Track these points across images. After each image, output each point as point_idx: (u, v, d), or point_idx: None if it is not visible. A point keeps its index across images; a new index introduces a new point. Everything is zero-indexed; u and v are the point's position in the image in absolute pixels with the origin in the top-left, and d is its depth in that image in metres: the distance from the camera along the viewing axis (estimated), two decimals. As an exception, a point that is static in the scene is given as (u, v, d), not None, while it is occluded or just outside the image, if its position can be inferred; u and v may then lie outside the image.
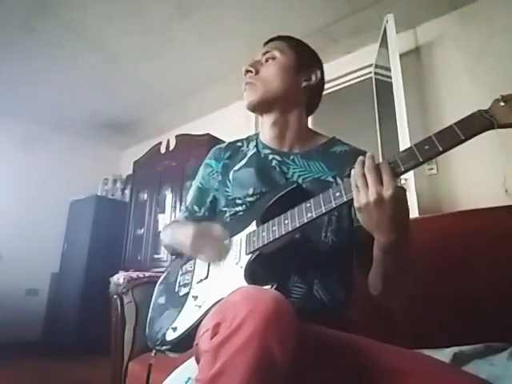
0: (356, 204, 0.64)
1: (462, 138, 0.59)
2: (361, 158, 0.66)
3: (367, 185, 0.62)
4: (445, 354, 0.91)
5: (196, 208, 1.02)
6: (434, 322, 1.13)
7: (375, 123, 2.47)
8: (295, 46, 0.97)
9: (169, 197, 3.29)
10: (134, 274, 1.35)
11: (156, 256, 3.20)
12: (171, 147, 3.39)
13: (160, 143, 3.51)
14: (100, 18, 2.46)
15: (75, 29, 2.57)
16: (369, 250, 0.73)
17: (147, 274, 1.38)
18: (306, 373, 0.61)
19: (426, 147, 0.61)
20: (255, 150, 0.98)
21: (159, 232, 3.29)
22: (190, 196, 1.05)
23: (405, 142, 1.91)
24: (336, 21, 2.36)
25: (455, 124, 0.60)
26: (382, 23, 2.20)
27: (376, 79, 2.53)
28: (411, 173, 1.89)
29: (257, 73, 0.95)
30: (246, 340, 0.49)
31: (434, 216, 1.43)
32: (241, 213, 0.90)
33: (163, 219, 3.26)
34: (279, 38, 1.00)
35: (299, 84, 0.95)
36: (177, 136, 3.34)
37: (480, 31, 2.12)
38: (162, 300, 0.95)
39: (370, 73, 2.58)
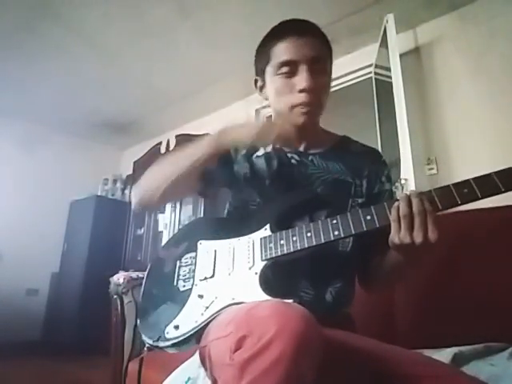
0: (396, 240, 0.65)
1: (502, 189, 0.61)
2: (405, 194, 0.67)
3: (412, 226, 0.64)
4: (445, 354, 0.91)
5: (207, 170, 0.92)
6: (434, 322, 1.13)
7: (375, 123, 2.47)
8: (331, 53, 0.90)
9: (169, 197, 3.28)
10: (134, 274, 1.35)
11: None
12: (171, 147, 3.40)
13: (160, 143, 3.51)
14: (100, 19, 2.46)
15: (75, 29, 2.57)
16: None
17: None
18: (325, 381, 0.61)
19: (465, 190, 0.63)
20: (271, 147, 0.93)
21: (159, 232, 3.30)
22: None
23: (405, 142, 1.91)
24: (336, 21, 2.36)
25: (495, 173, 0.62)
26: (382, 23, 2.19)
27: (376, 79, 2.53)
28: (411, 173, 1.89)
29: (313, 84, 0.82)
30: (275, 360, 0.48)
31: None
32: (250, 207, 0.88)
33: (163, 219, 3.26)
34: (313, 31, 0.88)
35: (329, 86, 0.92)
36: (177, 136, 3.34)
37: (480, 31, 2.11)
38: (155, 290, 0.89)
39: (370, 73, 2.58)
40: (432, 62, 2.28)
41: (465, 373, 0.63)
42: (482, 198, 0.62)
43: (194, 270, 0.85)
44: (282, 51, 0.84)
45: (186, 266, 0.88)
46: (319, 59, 0.84)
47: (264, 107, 3.20)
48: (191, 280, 0.83)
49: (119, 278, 1.31)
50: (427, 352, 0.73)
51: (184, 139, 3.26)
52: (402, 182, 1.88)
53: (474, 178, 0.63)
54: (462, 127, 2.09)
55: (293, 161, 0.91)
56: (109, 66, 2.99)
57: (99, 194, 3.99)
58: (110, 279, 1.33)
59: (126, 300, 1.29)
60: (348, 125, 2.97)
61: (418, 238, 0.63)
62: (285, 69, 0.83)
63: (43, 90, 3.35)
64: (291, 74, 0.83)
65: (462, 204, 0.64)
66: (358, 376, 0.64)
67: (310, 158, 0.91)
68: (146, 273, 0.95)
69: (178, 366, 0.97)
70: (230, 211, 0.94)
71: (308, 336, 0.50)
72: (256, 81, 0.96)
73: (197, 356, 0.94)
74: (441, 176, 2.09)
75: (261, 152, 0.92)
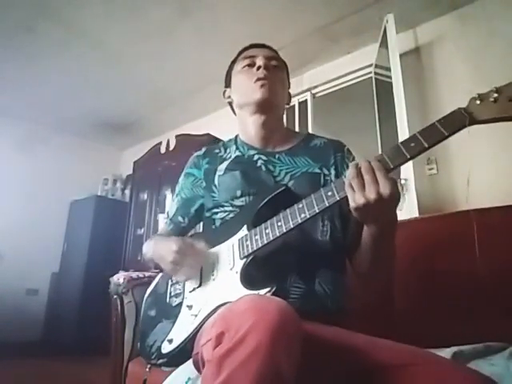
0: (352, 204, 0.66)
1: (446, 134, 0.62)
2: (354, 161, 0.69)
3: (363, 185, 0.64)
4: (445, 354, 0.91)
5: (180, 219, 1.02)
6: (434, 322, 1.13)
7: (375, 123, 2.47)
8: (283, 62, 1.04)
9: (169, 197, 3.28)
10: (134, 274, 1.35)
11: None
12: (171, 147, 3.39)
13: (160, 143, 3.51)
14: (100, 19, 2.46)
15: (75, 29, 2.57)
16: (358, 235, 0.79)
17: (147, 273, 1.37)
18: (307, 375, 0.61)
19: (412, 144, 0.64)
20: (238, 152, 0.99)
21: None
22: (174, 208, 1.04)
23: (405, 142, 1.91)
24: (336, 21, 2.36)
25: (438, 121, 0.64)
26: (382, 23, 2.19)
27: (376, 79, 2.53)
28: (411, 173, 1.89)
29: (269, 73, 0.95)
30: (252, 352, 0.48)
31: (434, 216, 1.43)
32: (230, 217, 0.90)
33: (163, 219, 3.26)
34: (269, 47, 1.05)
35: (287, 93, 1.05)
36: (177, 136, 3.34)
37: (480, 31, 2.12)
38: (152, 312, 0.93)
39: (370, 73, 2.58)
40: (432, 62, 2.28)
41: (450, 359, 0.63)
42: (428, 147, 0.63)
43: (183, 285, 0.89)
44: (245, 52, 1.03)
45: (177, 282, 0.92)
46: (274, 58, 1.00)
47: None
48: (182, 294, 0.87)
49: (119, 278, 1.31)
50: (427, 352, 0.73)
51: (184, 139, 3.26)
52: (402, 182, 1.88)
53: (420, 131, 0.64)
54: (461, 127, 2.09)
55: (260, 162, 0.94)
56: (109, 66, 2.99)
57: (99, 194, 3.99)
58: (110, 279, 1.33)
59: (125, 300, 1.29)
60: (348, 125, 2.99)
61: (371, 194, 0.63)
62: (246, 61, 0.99)
63: (43, 90, 3.35)
64: (252, 64, 0.98)
65: (411, 158, 0.64)
66: (346, 372, 0.64)
67: (276, 156, 0.95)
68: (144, 299, 1.01)
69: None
70: (213, 226, 0.97)
71: (284, 327, 0.50)
72: (224, 92, 1.12)
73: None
74: (441, 176, 2.09)
75: (221, 170, 0.96)
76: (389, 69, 2.14)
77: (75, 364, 2.88)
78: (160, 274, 1.02)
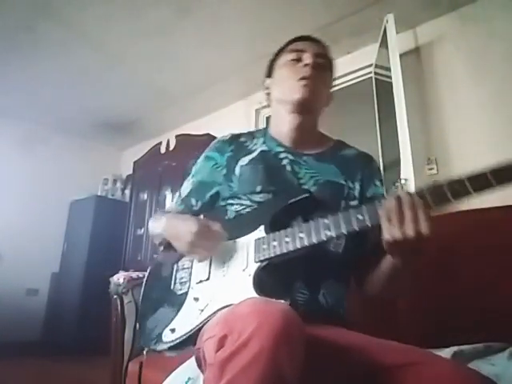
0: (387, 236, 0.64)
1: (495, 185, 0.60)
2: (395, 192, 0.67)
3: (403, 220, 0.62)
4: (445, 354, 0.91)
5: (193, 201, 0.98)
6: (434, 322, 1.13)
7: (375, 123, 2.47)
8: (332, 61, 0.99)
9: (169, 197, 3.29)
10: (134, 274, 1.35)
11: (156, 256, 3.20)
12: (171, 147, 3.40)
13: (160, 143, 3.51)
14: (100, 19, 2.46)
15: (75, 29, 2.56)
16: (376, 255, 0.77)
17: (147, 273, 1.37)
18: (310, 377, 0.61)
19: (457, 187, 0.61)
20: (264, 146, 0.95)
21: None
22: (188, 188, 1.00)
23: (405, 142, 1.91)
24: (336, 21, 2.36)
25: (489, 172, 0.60)
26: (382, 23, 2.19)
27: (376, 79, 2.53)
28: (411, 173, 1.89)
29: (314, 73, 0.90)
30: (254, 356, 0.47)
31: (433, 216, 1.42)
32: (246, 211, 0.87)
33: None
34: (320, 42, 0.99)
35: (329, 94, 0.99)
36: (177, 136, 3.34)
37: (480, 31, 2.12)
38: (154, 294, 0.91)
39: (370, 73, 2.58)
40: (432, 62, 2.28)
41: (451, 359, 0.63)
42: (474, 194, 0.61)
43: (190, 274, 0.86)
44: (294, 44, 0.97)
45: (183, 269, 0.89)
46: (322, 56, 0.94)
47: (264, 107, 3.21)
48: (188, 283, 0.85)
49: (119, 278, 1.31)
50: (427, 352, 0.74)
51: (184, 139, 3.26)
52: (402, 181, 1.88)
53: (468, 176, 0.61)
54: (461, 127, 2.09)
55: (285, 161, 0.91)
56: (109, 66, 2.99)
57: (99, 194, 3.98)
58: (110, 279, 1.33)
59: (125, 300, 1.29)
60: (348, 125, 2.99)
61: (410, 231, 0.61)
62: (293, 54, 0.93)
63: (43, 90, 3.35)
64: (298, 60, 0.92)
65: (454, 201, 0.62)
66: (349, 373, 0.63)
67: (304, 158, 0.92)
68: (145, 278, 0.97)
69: (177, 367, 0.97)
70: (226, 217, 0.94)
71: (288, 331, 0.50)
72: (264, 81, 1.03)
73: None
74: (441, 176, 2.09)
75: (245, 161, 0.93)
76: (389, 69, 2.14)
77: (75, 364, 2.88)
78: (164, 254, 0.97)
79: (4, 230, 3.63)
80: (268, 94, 1.02)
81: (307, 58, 0.90)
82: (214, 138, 3.27)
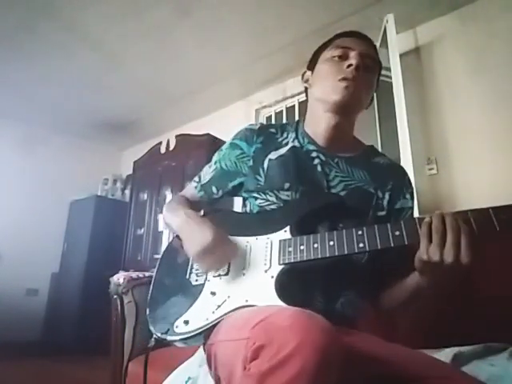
0: (424, 256, 0.62)
1: None
2: (439, 212, 0.64)
3: (444, 243, 0.60)
4: (444, 355, 0.91)
5: (214, 189, 0.94)
6: (433, 322, 1.13)
7: (375, 123, 2.47)
8: (379, 62, 0.96)
9: (169, 197, 3.28)
10: (134, 274, 1.35)
11: (156, 256, 3.20)
12: (171, 147, 3.39)
13: (160, 143, 3.51)
14: (100, 19, 2.46)
15: (75, 29, 2.56)
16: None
17: (147, 273, 1.38)
18: None
19: (504, 217, 0.59)
20: (296, 142, 0.91)
21: (159, 232, 3.30)
22: (209, 175, 0.96)
23: (405, 142, 1.91)
24: (336, 21, 2.36)
25: None
26: (382, 23, 2.19)
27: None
28: (411, 173, 1.89)
29: (358, 74, 0.85)
30: (296, 375, 0.46)
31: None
32: (271, 208, 0.85)
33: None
34: (369, 41, 0.94)
35: (371, 97, 0.96)
36: (177, 136, 3.34)
37: (480, 31, 2.12)
38: (167, 280, 0.87)
39: (370, 73, 2.58)
40: (432, 61, 2.28)
41: (467, 373, 0.63)
42: None
43: None
44: (341, 40, 0.91)
45: None
46: (370, 56, 0.89)
47: (264, 107, 3.21)
48: (204, 275, 0.81)
49: (119, 277, 1.31)
50: (427, 352, 0.73)
51: (184, 139, 3.26)
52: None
53: None
54: (462, 127, 2.09)
55: (316, 160, 0.88)
56: (109, 66, 2.99)
57: (99, 194, 3.98)
58: (110, 279, 1.33)
59: (125, 300, 1.29)
60: (348, 125, 2.98)
61: (449, 256, 0.59)
62: (339, 51, 0.87)
63: (43, 91, 3.35)
64: (343, 57, 0.86)
65: (500, 230, 0.58)
66: (365, 380, 0.63)
67: (335, 160, 0.88)
68: (158, 261, 0.93)
69: (178, 366, 0.97)
70: (247, 209, 0.91)
71: (330, 350, 0.48)
72: (304, 73, 0.98)
73: (197, 355, 0.94)
74: (441, 176, 2.09)
75: (275, 155, 0.89)
76: (389, 69, 2.14)
77: (75, 364, 2.88)
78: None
79: (4, 230, 3.63)
80: (306, 87, 0.97)
81: (353, 58, 0.85)
82: (214, 137, 3.25)
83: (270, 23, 2.39)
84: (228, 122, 3.34)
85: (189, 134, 3.25)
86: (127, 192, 4.01)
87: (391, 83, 2.08)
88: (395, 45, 2.08)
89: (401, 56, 2.11)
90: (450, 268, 0.60)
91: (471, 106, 2.07)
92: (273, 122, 3.12)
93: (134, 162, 3.74)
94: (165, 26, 2.52)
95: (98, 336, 2.41)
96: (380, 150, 2.37)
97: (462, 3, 2.19)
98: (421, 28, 2.37)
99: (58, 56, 2.86)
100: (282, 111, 3.14)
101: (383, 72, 2.60)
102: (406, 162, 1.89)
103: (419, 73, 2.31)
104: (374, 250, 0.70)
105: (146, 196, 3.55)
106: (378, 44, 2.34)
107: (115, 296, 1.30)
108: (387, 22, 2.13)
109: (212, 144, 2.88)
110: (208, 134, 3.02)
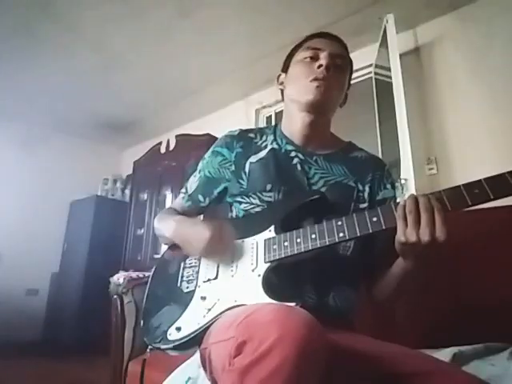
0: (401, 238, 0.63)
1: None
2: (412, 194, 0.66)
3: (418, 223, 0.62)
4: (445, 354, 0.91)
5: (201, 198, 0.97)
6: (433, 322, 1.13)
7: (375, 123, 2.47)
8: (350, 61, 0.99)
9: (169, 197, 3.29)
10: (134, 274, 1.35)
11: (156, 256, 3.20)
12: (171, 147, 3.39)
13: (160, 143, 3.51)
14: (100, 19, 2.46)
15: (75, 30, 2.56)
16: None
17: (147, 273, 1.37)
18: None
19: (476, 191, 0.60)
20: (275, 144, 0.93)
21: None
22: (195, 184, 0.99)
23: (405, 142, 1.91)
24: (336, 21, 2.36)
25: (508, 173, 0.59)
26: (382, 23, 2.19)
27: (376, 79, 2.53)
28: (411, 173, 1.89)
29: (329, 74, 0.88)
30: (276, 368, 0.46)
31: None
32: (255, 211, 0.86)
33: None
34: (339, 40, 0.96)
35: (344, 95, 0.99)
36: (177, 136, 3.34)
37: (480, 31, 2.11)
38: (159, 291, 0.90)
39: (370, 73, 2.58)
40: (432, 62, 2.28)
41: (463, 370, 0.63)
42: (494, 198, 0.59)
43: (197, 272, 0.85)
44: (312, 41, 0.94)
45: (191, 267, 0.88)
46: (340, 56, 0.91)
47: (264, 107, 3.21)
48: (195, 281, 0.83)
49: (119, 277, 1.31)
50: (427, 352, 0.73)
51: (184, 139, 3.26)
52: (402, 181, 1.88)
53: (486, 178, 0.60)
54: (462, 127, 2.09)
55: (295, 160, 0.90)
56: (109, 67, 2.99)
57: (99, 194, 3.98)
58: (110, 279, 1.33)
59: (125, 300, 1.29)
60: (348, 125, 2.98)
61: (425, 235, 0.61)
62: (309, 52, 0.90)
63: (43, 91, 3.35)
64: (314, 58, 0.89)
65: (472, 205, 0.60)
66: (360, 379, 0.63)
67: (314, 158, 0.91)
68: (151, 274, 0.96)
69: (178, 366, 0.97)
70: (233, 215, 0.93)
71: (311, 343, 0.49)
72: (279, 76, 1.02)
73: (197, 356, 0.94)
74: (441, 176, 2.09)
75: (255, 158, 0.92)
76: (389, 69, 2.14)
77: (75, 364, 2.88)
78: (171, 251, 0.96)
79: (4, 230, 3.63)
80: (282, 89, 1.00)
81: (323, 58, 0.88)
82: (214, 137, 3.27)
83: (270, 23, 2.39)
84: (228, 122, 3.34)
85: (189, 134, 3.25)
86: (127, 192, 4.01)
87: (391, 83, 2.09)
88: (395, 45, 2.08)
89: (401, 56, 2.11)
90: (427, 247, 0.61)
91: (471, 105, 2.06)
92: (273, 122, 3.12)
93: (134, 162, 3.74)
94: (165, 27, 2.52)
95: (98, 336, 2.41)
96: (380, 150, 2.40)
97: (461, 3, 2.19)
98: (421, 28, 2.37)
99: (58, 56, 2.86)
100: (281, 111, 3.13)
101: (383, 72, 2.61)
102: (406, 162, 1.89)
103: (419, 73, 2.31)
104: (356, 240, 0.74)
105: (146, 196, 3.55)
106: (377, 44, 2.35)
107: (115, 296, 1.30)
108: (387, 21, 2.13)
109: (212, 144, 2.87)
110: (208, 134, 3.02)
